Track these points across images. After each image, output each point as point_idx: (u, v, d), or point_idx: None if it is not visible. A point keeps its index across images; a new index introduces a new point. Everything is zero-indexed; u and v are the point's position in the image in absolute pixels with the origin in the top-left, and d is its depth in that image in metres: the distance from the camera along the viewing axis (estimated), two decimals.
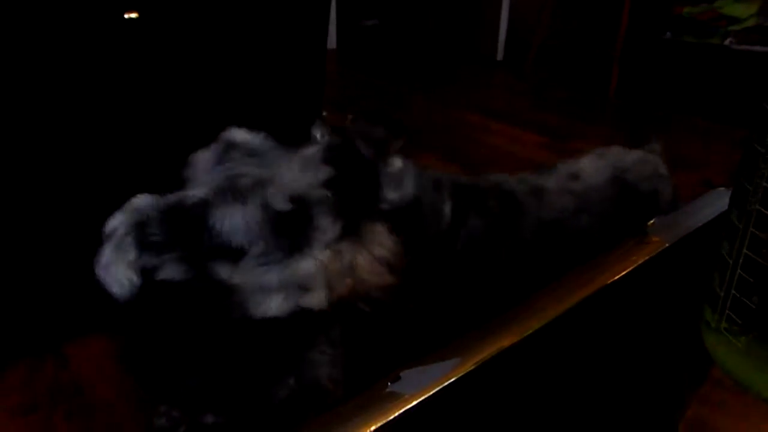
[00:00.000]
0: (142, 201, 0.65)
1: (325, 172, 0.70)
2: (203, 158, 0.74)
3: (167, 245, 0.63)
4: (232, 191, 0.66)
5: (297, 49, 1.72)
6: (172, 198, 0.66)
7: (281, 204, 0.64)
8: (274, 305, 0.65)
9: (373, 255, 0.67)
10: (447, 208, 0.92)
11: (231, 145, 0.75)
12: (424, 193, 0.89)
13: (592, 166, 1.14)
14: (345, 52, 4.10)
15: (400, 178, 0.87)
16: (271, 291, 0.65)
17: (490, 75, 3.80)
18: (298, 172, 0.69)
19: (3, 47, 1.24)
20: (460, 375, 0.42)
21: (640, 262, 0.56)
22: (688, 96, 2.90)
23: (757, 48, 2.66)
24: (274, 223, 0.64)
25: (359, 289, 0.67)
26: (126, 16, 1.39)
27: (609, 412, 0.55)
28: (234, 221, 0.64)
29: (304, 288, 0.65)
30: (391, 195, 0.84)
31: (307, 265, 0.64)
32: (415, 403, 0.40)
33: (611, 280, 0.54)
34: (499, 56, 3.90)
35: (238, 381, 0.75)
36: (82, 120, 1.38)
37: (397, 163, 0.87)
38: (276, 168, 0.69)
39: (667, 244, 0.59)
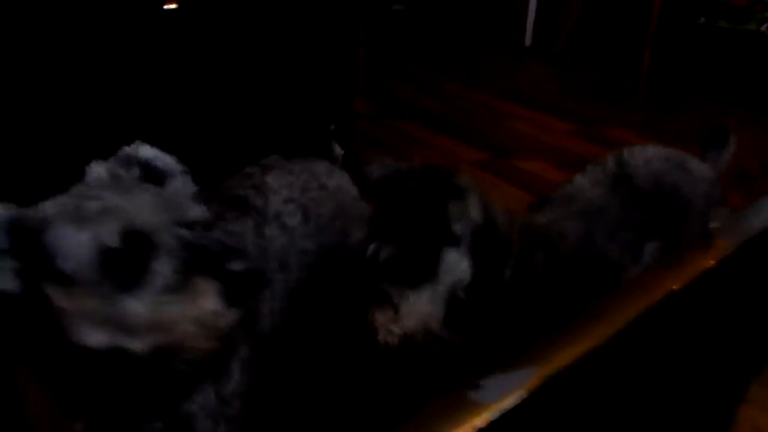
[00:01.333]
0: None
1: (195, 212, 0.68)
2: (96, 170, 0.72)
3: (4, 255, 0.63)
4: (73, 215, 0.64)
5: (331, 58, 1.72)
6: (18, 210, 0.65)
7: (111, 239, 0.62)
8: (93, 338, 0.64)
9: (198, 315, 0.65)
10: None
11: (130, 161, 0.74)
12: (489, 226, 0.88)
13: (585, 182, 1.12)
14: (372, 37, 4.08)
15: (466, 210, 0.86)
16: (92, 323, 0.64)
17: (519, 61, 3.76)
18: (152, 208, 0.66)
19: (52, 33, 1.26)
20: (539, 383, 0.43)
21: (707, 266, 0.56)
22: (721, 83, 2.85)
23: None
24: (103, 257, 0.62)
25: (177, 345, 0.66)
26: (165, 7, 1.40)
27: (676, 408, 0.56)
28: (67, 246, 0.63)
29: (126, 328, 0.64)
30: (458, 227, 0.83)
31: (133, 306, 0.63)
32: (497, 411, 0.41)
33: (680, 286, 0.54)
34: (527, 42, 3.85)
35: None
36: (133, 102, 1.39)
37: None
38: (134, 198, 0.67)
39: (733, 249, 0.59)
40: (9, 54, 1.25)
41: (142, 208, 0.65)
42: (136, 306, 0.63)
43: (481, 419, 0.40)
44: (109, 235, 0.62)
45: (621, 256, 1.11)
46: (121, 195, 0.66)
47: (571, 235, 1.02)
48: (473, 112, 2.99)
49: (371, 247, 0.82)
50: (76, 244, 0.62)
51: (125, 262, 0.62)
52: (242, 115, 1.52)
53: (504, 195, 2.16)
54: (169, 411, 0.75)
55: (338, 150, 1.14)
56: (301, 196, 1.02)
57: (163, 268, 0.63)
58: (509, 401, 0.42)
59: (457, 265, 0.83)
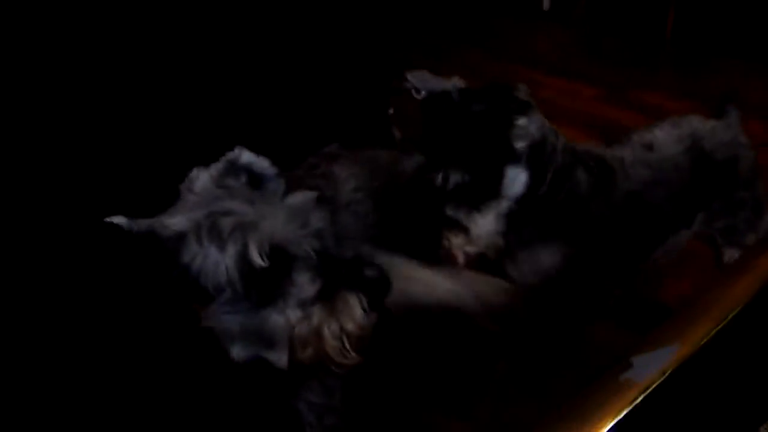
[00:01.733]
0: (120, 221, 0.65)
1: (317, 221, 0.70)
2: (202, 177, 0.73)
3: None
4: (210, 231, 0.65)
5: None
6: (147, 224, 0.66)
7: (258, 259, 0.63)
8: (234, 351, 0.66)
9: (343, 329, 0.66)
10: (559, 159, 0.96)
11: (233, 167, 0.75)
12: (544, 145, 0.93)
13: (667, 136, 1.15)
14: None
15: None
16: (233, 337, 0.66)
17: (537, 25, 3.72)
18: (284, 220, 0.67)
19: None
20: (685, 358, 0.45)
21: None
22: (747, 39, 2.82)
23: None
24: (248, 275, 0.63)
25: (321, 358, 0.67)
26: None
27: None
28: (207, 264, 0.64)
29: (268, 341, 0.66)
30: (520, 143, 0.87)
31: (275, 320, 0.65)
32: (651, 387, 0.43)
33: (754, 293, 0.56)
34: (546, 6, 3.80)
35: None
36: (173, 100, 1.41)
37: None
38: (264, 210, 0.68)
39: None
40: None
41: (275, 220, 0.66)
42: (280, 320, 0.64)
43: (636, 393, 0.43)
44: (252, 252, 0.62)
45: (676, 216, 1.14)
46: (251, 207, 0.67)
47: (636, 177, 1.05)
48: (495, 80, 2.98)
49: (439, 175, 0.86)
50: (219, 263, 0.63)
51: (268, 278, 0.63)
52: (298, 102, 1.53)
53: None
54: (278, 408, 0.78)
55: (397, 134, 1.15)
56: (369, 184, 1.04)
57: (304, 281, 0.64)
58: (657, 379, 0.44)
59: (516, 180, 0.88)
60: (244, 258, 0.63)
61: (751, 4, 2.80)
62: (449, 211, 0.90)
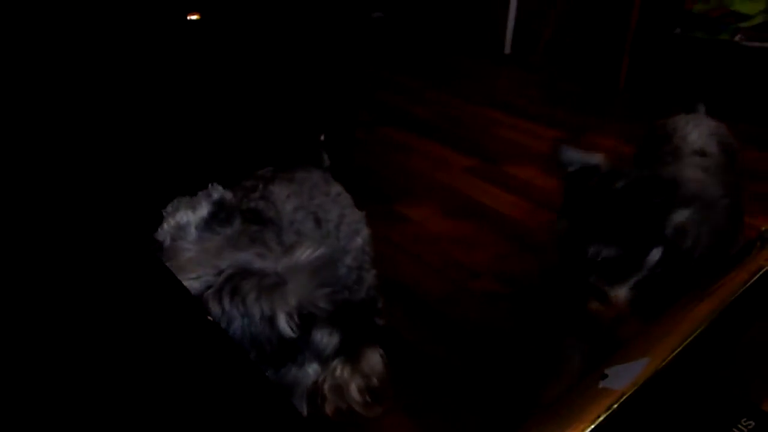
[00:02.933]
0: None
1: (332, 275, 0.71)
2: (190, 222, 0.71)
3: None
4: (233, 295, 0.65)
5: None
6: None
7: (288, 330, 0.64)
8: None
9: (366, 383, 0.67)
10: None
11: (218, 207, 0.74)
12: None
13: (698, 133, 1.19)
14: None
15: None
16: None
17: (499, 68, 3.86)
18: (305, 282, 0.67)
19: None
20: (654, 370, 0.48)
21: (767, 267, 0.63)
22: (697, 91, 2.98)
23: (767, 44, 2.74)
24: (275, 341, 0.64)
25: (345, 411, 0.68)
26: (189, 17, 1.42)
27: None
28: (230, 327, 0.64)
29: (296, 396, 0.66)
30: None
31: (296, 375, 0.66)
32: (625, 396, 0.46)
33: (749, 283, 0.60)
34: (507, 50, 3.95)
35: None
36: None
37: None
38: (281, 268, 0.68)
39: None
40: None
41: (296, 283, 0.66)
42: (300, 375, 0.65)
43: (612, 400, 0.45)
44: (281, 322, 0.64)
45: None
46: (264, 262, 0.67)
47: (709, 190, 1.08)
48: (460, 119, 3.07)
49: (592, 249, 0.89)
50: (244, 328, 0.64)
51: (293, 341, 0.64)
52: (241, 124, 1.55)
53: (497, 200, 2.23)
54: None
55: (327, 160, 1.18)
56: (309, 203, 1.06)
57: (323, 336, 0.65)
58: (631, 388, 0.47)
59: (655, 258, 0.92)
60: (271, 325, 0.64)
61: (700, 59, 2.97)
62: (592, 279, 0.93)
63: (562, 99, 3.30)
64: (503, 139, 2.82)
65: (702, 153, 1.16)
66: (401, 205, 2.16)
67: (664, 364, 0.49)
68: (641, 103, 3.13)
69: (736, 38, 2.82)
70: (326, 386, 0.67)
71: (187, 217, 0.72)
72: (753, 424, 0.46)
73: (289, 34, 1.58)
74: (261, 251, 0.69)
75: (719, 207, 1.08)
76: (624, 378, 0.47)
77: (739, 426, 0.46)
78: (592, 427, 0.43)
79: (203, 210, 0.74)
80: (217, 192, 0.76)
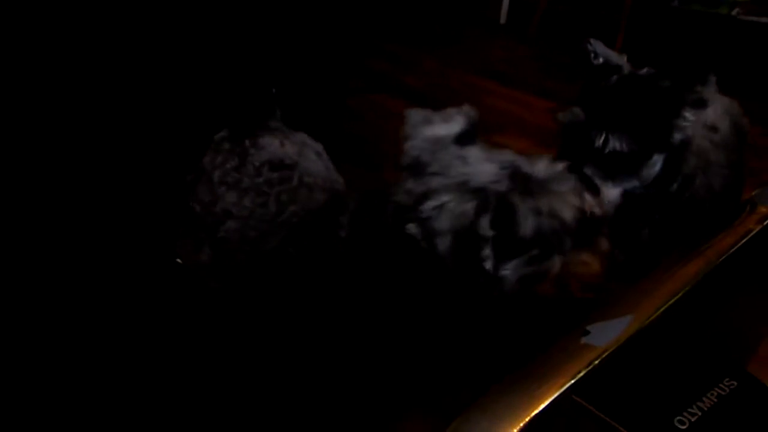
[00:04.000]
0: None
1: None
2: (446, 132, 0.78)
3: None
4: (523, 191, 0.69)
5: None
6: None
7: (573, 223, 0.68)
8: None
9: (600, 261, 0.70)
10: None
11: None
12: None
13: (714, 112, 1.18)
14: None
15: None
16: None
17: (494, 38, 3.81)
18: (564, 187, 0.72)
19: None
20: (637, 328, 0.48)
21: (756, 230, 0.62)
22: (693, 64, 2.95)
23: (764, 20, 2.72)
24: (561, 229, 0.68)
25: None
26: None
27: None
28: (529, 222, 0.68)
29: None
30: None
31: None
32: (606, 352, 0.45)
33: (735, 247, 0.59)
34: (503, 19, 3.90)
35: None
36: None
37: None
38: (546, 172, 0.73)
39: None
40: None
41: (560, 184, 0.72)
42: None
43: (594, 356, 0.44)
44: (565, 213, 0.70)
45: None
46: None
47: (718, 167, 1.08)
48: (453, 89, 3.03)
49: (600, 137, 0.88)
50: (538, 220, 0.68)
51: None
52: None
53: None
54: None
55: (278, 114, 1.15)
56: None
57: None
58: (614, 345, 0.46)
59: (654, 169, 0.92)
60: (557, 217, 0.68)
61: (697, 32, 2.94)
62: (587, 170, 0.91)
63: (556, 70, 3.26)
64: (496, 110, 2.79)
65: (713, 129, 1.16)
66: (392, 173, 2.13)
67: (647, 322, 0.48)
68: None
69: (734, 12, 2.79)
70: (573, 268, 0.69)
71: (445, 131, 0.76)
72: (735, 384, 0.46)
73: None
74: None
75: (718, 175, 1.08)
76: (606, 335, 0.46)
77: (721, 386, 0.46)
78: (572, 381, 0.42)
79: (456, 126, 0.79)
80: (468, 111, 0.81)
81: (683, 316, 0.51)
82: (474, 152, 0.75)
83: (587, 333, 0.46)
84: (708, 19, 2.86)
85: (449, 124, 0.79)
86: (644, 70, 1.00)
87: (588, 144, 0.93)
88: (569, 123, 1.00)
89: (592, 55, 1.05)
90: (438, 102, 2.88)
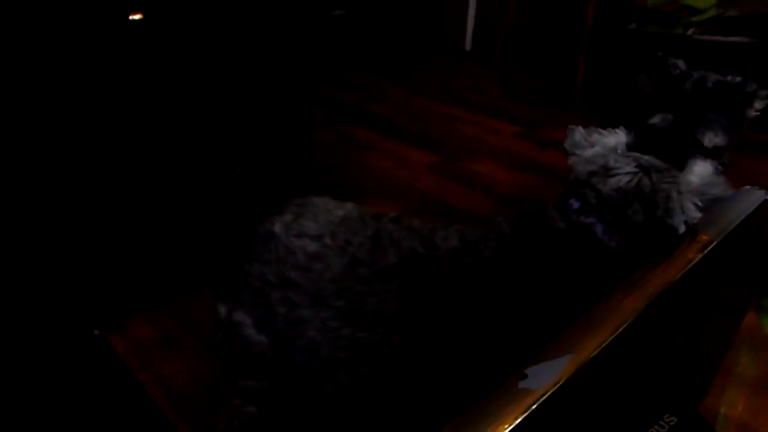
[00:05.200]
0: None
1: None
2: (616, 141, 0.92)
3: None
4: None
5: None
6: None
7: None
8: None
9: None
10: None
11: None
12: None
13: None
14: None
15: None
16: None
17: (460, 65, 3.86)
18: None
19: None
20: (576, 369, 0.48)
21: (696, 259, 0.63)
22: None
23: (718, 38, 2.79)
24: None
25: None
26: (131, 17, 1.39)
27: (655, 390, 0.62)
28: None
29: None
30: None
31: None
32: (545, 395, 0.45)
33: (676, 277, 0.60)
34: (468, 46, 3.96)
35: None
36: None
37: None
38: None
39: (715, 242, 0.66)
40: None
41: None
42: None
43: (534, 404, 0.44)
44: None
45: None
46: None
47: None
48: (420, 116, 3.06)
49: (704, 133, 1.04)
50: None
51: None
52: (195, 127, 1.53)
53: (459, 198, 2.23)
54: None
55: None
56: None
57: None
58: (553, 388, 0.46)
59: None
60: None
61: (655, 52, 3.00)
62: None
63: (521, 95, 3.31)
64: (464, 136, 2.82)
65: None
66: (363, 205, 2.14)
67: (586, 361, 0.48)
68: (598, 97, 3.16)
69: (690, 32, 2.87)
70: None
71: (615, 140, 0.90)
72: (675, 420, 0.46)
73: (236, 31, 1.56)
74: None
75: None
76: (544, 377, 0.46)
77: (661, 422, 0.46)
78: (510, 428, 0.42)
79: (622, 137, 0.92)
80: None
81: (623, 352, 0.52)
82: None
83: (525, 377, 0.46)
84: (665, 39, 2.93)
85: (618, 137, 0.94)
86: (704, 73, 1.16)
87: (692, 141, 1.04)
88: (667, 127, 1.10)
89: (671, 67, 1.21)
90: (406, 130, 2.91)
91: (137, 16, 1.39)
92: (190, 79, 1.51)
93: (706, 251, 0.64)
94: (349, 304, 0.83)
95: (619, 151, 0.88)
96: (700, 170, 0.80)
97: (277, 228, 0.90)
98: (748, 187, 0.77)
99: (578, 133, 0.94)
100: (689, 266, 0.61)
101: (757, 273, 0.70)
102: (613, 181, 0.83)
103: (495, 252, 0.81)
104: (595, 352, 0.49)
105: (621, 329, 0.51)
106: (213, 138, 1.57)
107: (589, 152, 0.90)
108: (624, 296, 0.56)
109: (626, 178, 0.82)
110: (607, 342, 0.50)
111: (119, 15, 1.38)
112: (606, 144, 0.90)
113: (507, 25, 3.43)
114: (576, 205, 0.85)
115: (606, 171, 0.85)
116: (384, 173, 2.42)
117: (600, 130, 0.94)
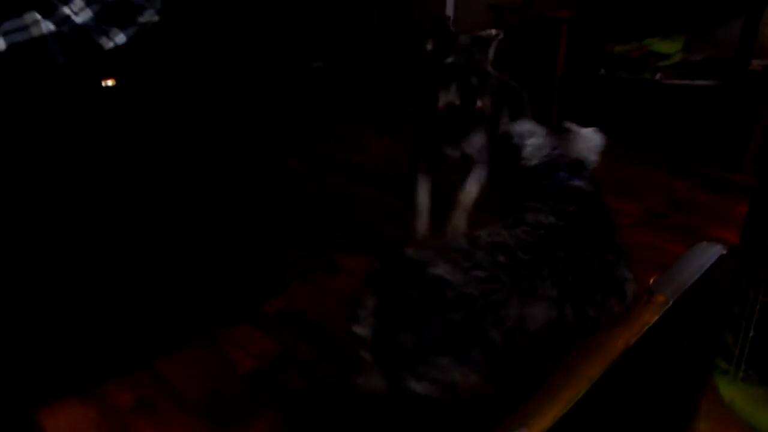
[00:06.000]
0: None
1: None
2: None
3: None
4: None
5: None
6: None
7: None
8: None
9: None
10: None
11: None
12: None
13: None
14: (293, 95, 4.14)
15: None
16: None
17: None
18: None
19: None
20: None
21: (653, 321, 0.64)
22: (624, 128, 3.09)
23: (685, 81, 2.87)
24: None
25: None
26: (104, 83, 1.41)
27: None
28: None
29: None
30: None
31: None
32: None
33: (633, 341, 0.61)
34: None
35: None
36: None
37: None
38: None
39: (671, 302, 0.67)
40: None
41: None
42: None
43: None
44: None
45: None
46: None
47: None
48: (399, 165, 3.08)
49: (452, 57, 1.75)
50: None
51: None
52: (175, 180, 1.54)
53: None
54: None
55: None
56: None
57: None
58: None
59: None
60: None
61: (625, 97, 3.08)
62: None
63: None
64: (447, 182, 2.84)
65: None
66: (340, 255, 2.14)
67: None
68: None
69: (657, 77, 2.95)
70: None
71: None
72: None
73: (213, 87, 1.58)
74: None
75: None
76: None
77: None
78: None
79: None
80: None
81: (579, 425, 0.52)
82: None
83: None
84: (633, 84, 3.01)
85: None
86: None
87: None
88: (461, 62, 1.71)
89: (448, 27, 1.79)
90: (384, 179, 2.92)
91: (110, 82, 1.41)
92: (165, 139, 1.53)
93: (662, 312, 0.65)
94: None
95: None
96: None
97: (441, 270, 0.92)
98: (705, 242, 0.78)
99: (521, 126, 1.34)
100: (646, 329, 0.62)
101: (715, 332, 0.71)
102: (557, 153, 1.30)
103: (568, 215, 1.12)
104: (552, 425, 0.49)
105: (575, 400, 0.52)
106: (186, 193, 1.58)
107: (532, 141, 1.31)
108: (578, 364, 0.56)
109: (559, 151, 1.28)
110: (560, 416, 0.50)
111: (92, 81, 1.40)
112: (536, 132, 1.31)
113: None
114: (563, 174, 1.27)
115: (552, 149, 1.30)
116: (361, 222, 2.43)
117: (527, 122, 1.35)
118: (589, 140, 1.37)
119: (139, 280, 1.52)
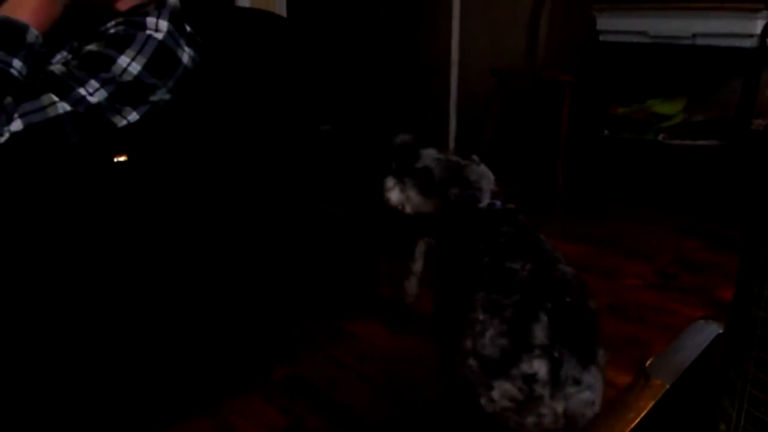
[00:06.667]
0: None
1: None
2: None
3: None
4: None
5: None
6: None
7: None
8: None
9: None
10: None
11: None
12: None
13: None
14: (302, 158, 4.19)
15: None
16: None
17: None
18: None
19: None
20: None
21: (649, 407, 0.64)
22: (629, 188, 3.12)
23: (687, 142, 2.91)
24: None
25: None
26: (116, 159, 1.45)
27: None
28: None
29: None
30: None
31: None
32: None
33: (629, 428, 0.61)
34: None
35: None
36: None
37: None
38: None
39: (668, 385, 0.67)
40: None
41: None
42: None
43: None
44: None
45: None
46: None
47: None
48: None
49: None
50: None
51: None
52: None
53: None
54: None
55: None
56: None
57: None
58: None
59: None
60: None
61: (629, 157, 3.11)
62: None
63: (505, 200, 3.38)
64: None
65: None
66: (348, 321, 2.14)
67: None
68: (578, 201, 3.24)
69: (660, 137, 2.99)
70: None
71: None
72: None
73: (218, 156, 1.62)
74: None
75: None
76: None
77: None
78: None
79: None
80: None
81: None
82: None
83: None
84: (637, 145, 3.05)
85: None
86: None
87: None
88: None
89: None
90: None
91: (122, 158, 1.46)
92: (176, 209, 1.56)
93: (659, 397, 0.65)
94: None
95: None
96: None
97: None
98: (701, 321, 0.79)
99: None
100: (642, 416, 0.62)
101: (712, 413, 0.71)
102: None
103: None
104: None
105: None
106: (195, 264, 1.60)
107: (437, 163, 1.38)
108: None
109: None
110: None
111: (105, 158, 1.45)
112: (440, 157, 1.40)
113: (484, 145, 3.56)
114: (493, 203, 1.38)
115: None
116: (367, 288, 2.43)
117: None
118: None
119: (144, 351, 1.52)
